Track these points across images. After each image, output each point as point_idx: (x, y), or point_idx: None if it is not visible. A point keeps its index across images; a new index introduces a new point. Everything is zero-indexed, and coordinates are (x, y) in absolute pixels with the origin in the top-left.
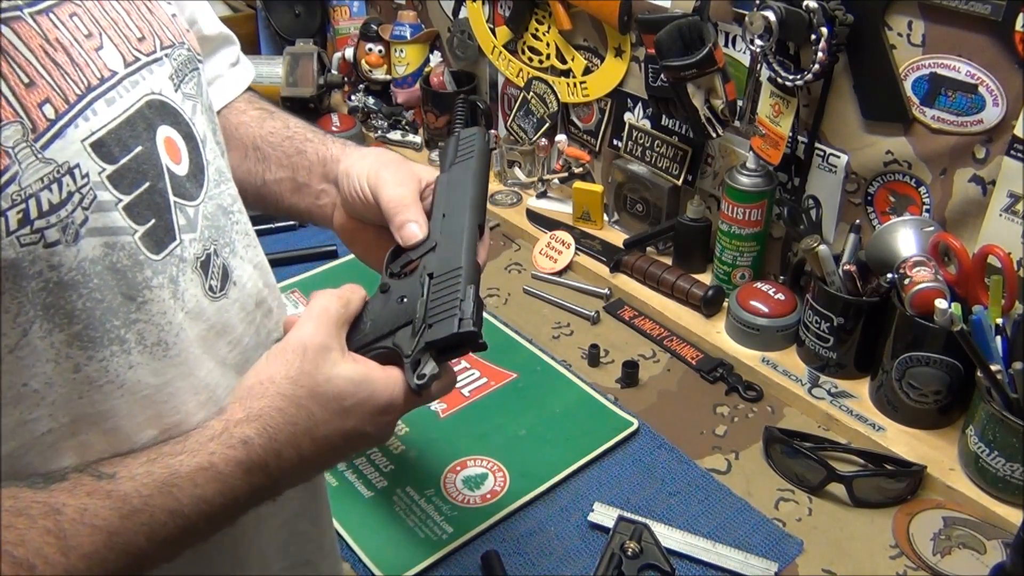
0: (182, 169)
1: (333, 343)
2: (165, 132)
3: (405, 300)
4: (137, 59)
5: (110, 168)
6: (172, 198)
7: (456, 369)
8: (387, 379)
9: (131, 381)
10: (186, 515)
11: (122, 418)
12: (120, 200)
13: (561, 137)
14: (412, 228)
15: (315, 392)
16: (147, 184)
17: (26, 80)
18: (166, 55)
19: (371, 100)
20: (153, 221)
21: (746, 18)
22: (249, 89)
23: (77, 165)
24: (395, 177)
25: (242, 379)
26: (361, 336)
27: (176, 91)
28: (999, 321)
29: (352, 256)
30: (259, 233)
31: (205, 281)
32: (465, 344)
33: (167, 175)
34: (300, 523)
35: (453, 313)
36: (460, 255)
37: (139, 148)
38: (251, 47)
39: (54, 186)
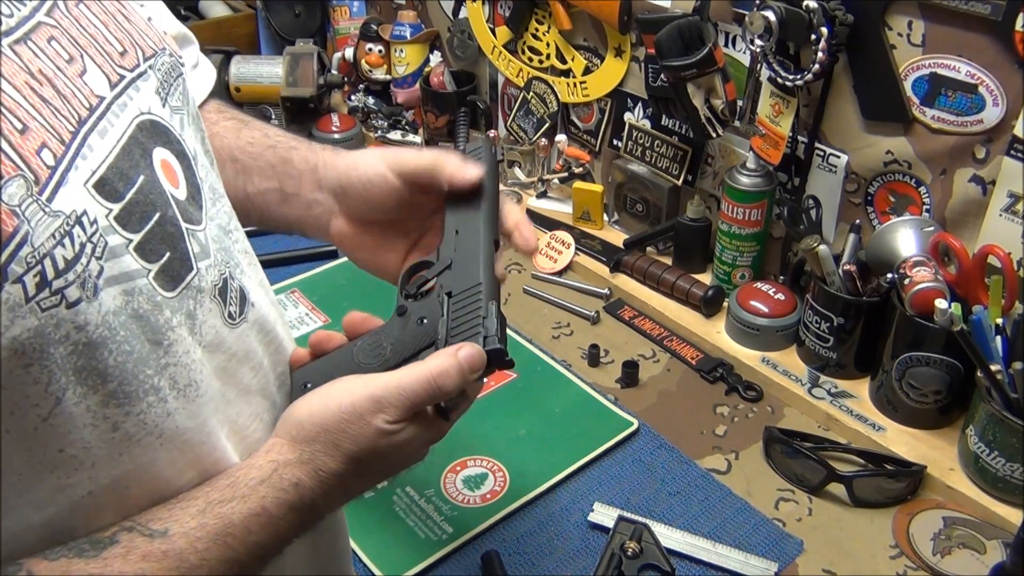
0: (181, 193)
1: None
2: (161, 154)
3: (425, 321)
4: (122, 77)
5: (116, 207)
6: (184, 225)
7: None
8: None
9: (170, 429)
10: (241, 562)
11: (163, 468)
12: (130, 241)
13: (561, 137)
14: (470, 169)
15: (375, 452)
16: (157, 215)
17: (19, 126)
18: (149, 67)
19: (371, 100)
20: (168, 255)
21: (746, 18)
22: (213, 97)
23: (84, 212)
24: (417, 150)
25: (291, 412)
26: (382, 361)
27: (164, 106)
28: (999, 321)
29: None
30: (258, 233)
31: (224, 308)
32: (491, 363)
33: (172, 201)
34: (323, 537)
35: (476, 331)
36: (478, 271)
37: (141, 178)
38: (251, 47)
39: (66, 240)
